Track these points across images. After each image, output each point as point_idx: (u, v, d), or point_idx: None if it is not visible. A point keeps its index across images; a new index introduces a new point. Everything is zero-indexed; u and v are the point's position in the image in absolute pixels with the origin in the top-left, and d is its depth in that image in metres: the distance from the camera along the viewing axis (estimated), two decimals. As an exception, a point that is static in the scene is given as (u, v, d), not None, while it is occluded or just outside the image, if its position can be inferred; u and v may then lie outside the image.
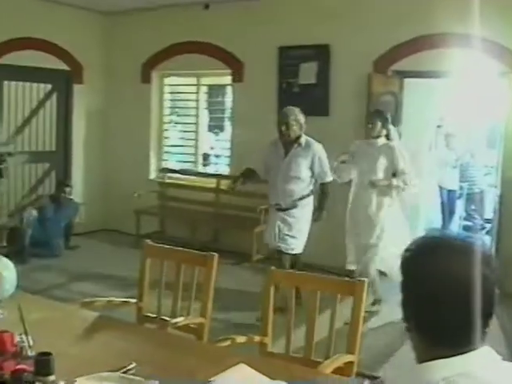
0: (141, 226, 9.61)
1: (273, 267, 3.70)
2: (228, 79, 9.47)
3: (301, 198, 6.46)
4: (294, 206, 6.46)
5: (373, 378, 4.16)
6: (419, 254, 1.64)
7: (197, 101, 10.00)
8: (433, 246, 1.65)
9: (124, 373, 2.57)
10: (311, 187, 6.54)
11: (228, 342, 3.40)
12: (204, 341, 3.71)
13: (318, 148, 6.52)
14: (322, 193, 6.60)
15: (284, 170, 6.42)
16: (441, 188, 10.77)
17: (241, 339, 3.51)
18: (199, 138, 10.13)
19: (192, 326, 3.82)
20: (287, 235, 6.47)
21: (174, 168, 10.27)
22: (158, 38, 9.78)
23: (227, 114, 9.92)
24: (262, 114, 8.70)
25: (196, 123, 10.07)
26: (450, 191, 10.75)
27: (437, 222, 10.71)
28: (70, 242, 9.31)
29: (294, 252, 6.52)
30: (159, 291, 4.06)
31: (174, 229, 9.72)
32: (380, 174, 6.55)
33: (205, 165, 10.54)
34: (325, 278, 3.68)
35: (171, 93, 10.47)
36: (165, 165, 10.33)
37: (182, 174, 10.05)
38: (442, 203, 10.78)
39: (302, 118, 6.47)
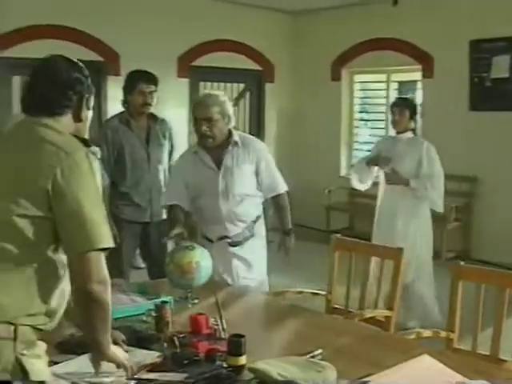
0: (330, 222, 9.78)
1: (462, 262, 3.69)
2: (418, 75, 9.40)
3: (255, 221, 4.51)
4: (250, 236, 4.47)
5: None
6: None
7: (387, 97, 9.98)
8: None
9: (311, 358, 2.69)
10: (261, 204, 4.58)
11: (413, 336, 3.44)
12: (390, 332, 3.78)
13: (261, 146, 4.53)
14: (280, 208, 4.71)
15: (224, 188, 4.27)
16: None
17: (426, 333, 3.54)
18: (389, 134, 10.10)
19: (379, 318, 3.89)
20: (246, 278, 4.39)
21: (364, 165, 10.30)
22: (346, 35, 9.88)
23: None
24: (453, 110, 8.59)
25: (386, 120, 10.06)
26: None
27: None
28: (262, 236, 9.56)
29: None
30: (348, 284, 4.17)
31: (363, 225, 9.73)
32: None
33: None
34: (512, 275, 3.60)
35: (361, 90, 10.55)
36: (355, 162, 10.39)
37: (371, 170, 10.03)
38: None
39: (229, 107, 4.30)
